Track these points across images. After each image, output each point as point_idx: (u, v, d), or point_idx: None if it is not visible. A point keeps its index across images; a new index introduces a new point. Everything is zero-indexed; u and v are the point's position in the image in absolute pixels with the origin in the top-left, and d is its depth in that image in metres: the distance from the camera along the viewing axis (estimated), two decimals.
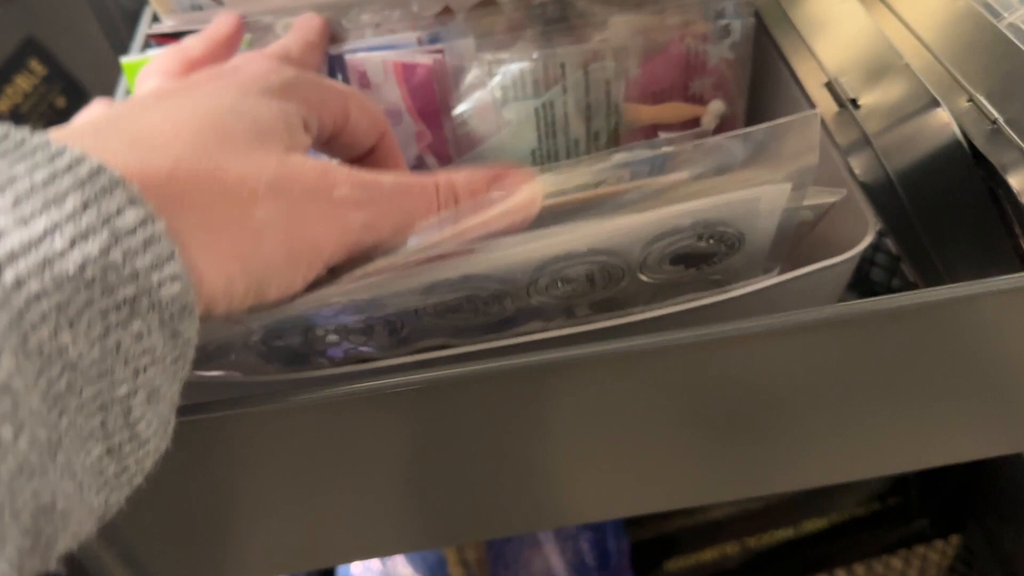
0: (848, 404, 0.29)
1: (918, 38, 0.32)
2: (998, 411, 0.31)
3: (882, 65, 0.30)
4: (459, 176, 0.25)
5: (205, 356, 0.25)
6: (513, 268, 0.24)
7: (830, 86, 0.30)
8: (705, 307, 0.26)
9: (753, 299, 0.27)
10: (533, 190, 0.25)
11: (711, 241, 0.25)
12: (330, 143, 0.28)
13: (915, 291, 0.25)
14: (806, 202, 0.26)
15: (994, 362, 0.28)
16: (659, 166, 0.28)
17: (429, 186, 0.24)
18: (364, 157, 0.30)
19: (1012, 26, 0.32)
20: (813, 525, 0.56)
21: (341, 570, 0.55)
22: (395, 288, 0.23)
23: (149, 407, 0.19)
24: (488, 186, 0.25)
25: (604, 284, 0.25)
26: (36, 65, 0.69)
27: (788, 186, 0.24)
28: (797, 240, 0.27)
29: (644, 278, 0.26)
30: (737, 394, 0.27)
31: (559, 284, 0.25)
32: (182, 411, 0.22)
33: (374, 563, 0.53)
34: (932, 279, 0.31)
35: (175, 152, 0.20)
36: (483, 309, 0.25)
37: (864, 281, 0.46)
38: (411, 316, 0.25)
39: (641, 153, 0.26)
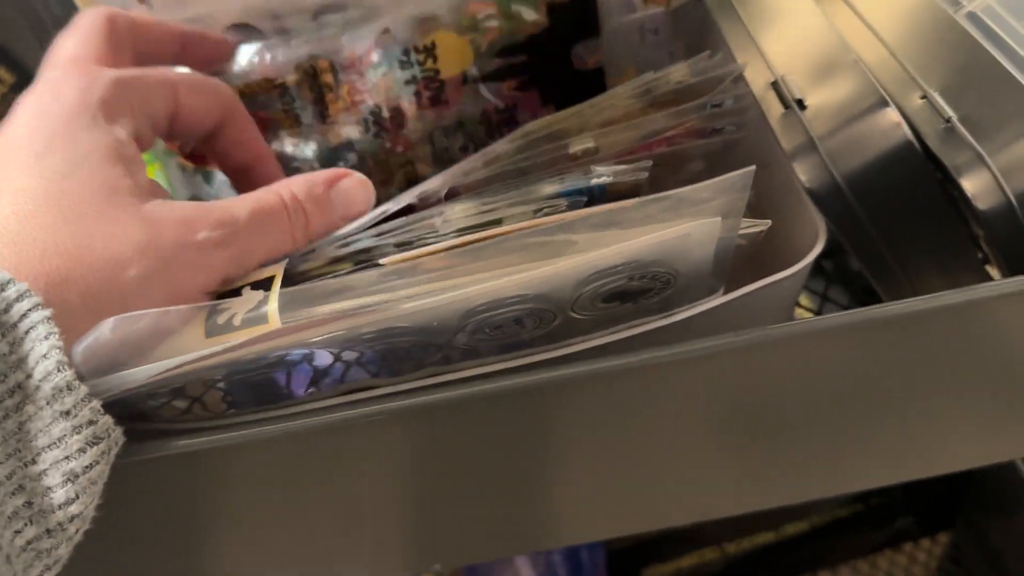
0: (849, 413, 0.27)
1: (872, 30, 0.30)
2: (1005, 417, 0.29)
3: (830, 61, 0.28)
4: (298, 185, 0.26)
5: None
6: (436, 319, 0.23)
7: (776, 86, 0.28)
8: (651, 332, 0.25)
9: (701, 319, 0.25)
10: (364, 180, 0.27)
11: (644, 280, 0.23)
12: (170, 131, 0.28)
13: (931, 295, 0.24)
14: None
15: (1000, 367, 0.27)
16: (599, 195, 0.26)
17: (280, 208, 0.25)
18: (215, 135, 0.30)
19: (971, 15, 0.30)
20: (795, 528, 0.54)
21: None
22: (309, 342, 0.23)
23: (72, 485, 0.20)
24: (327, 189, 0.26)
25: (535, 326, 0.24)
26: (4, 73, 0.68)
27: (718, 219, 0.22)
28: (736, 260, 0.25)
29: (578, 316, 0.24)
30: (734, 408, 0.26)
31: (486, 330, 0.23)
32: (157, 444, 0.22)
33: None
34: (892, 287, 0.30)
35: (40, 241, 0.21)
36: (404, 357, 0.24)
37: (855, 278, 0.44)
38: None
39: (574, 183, 0.25)
